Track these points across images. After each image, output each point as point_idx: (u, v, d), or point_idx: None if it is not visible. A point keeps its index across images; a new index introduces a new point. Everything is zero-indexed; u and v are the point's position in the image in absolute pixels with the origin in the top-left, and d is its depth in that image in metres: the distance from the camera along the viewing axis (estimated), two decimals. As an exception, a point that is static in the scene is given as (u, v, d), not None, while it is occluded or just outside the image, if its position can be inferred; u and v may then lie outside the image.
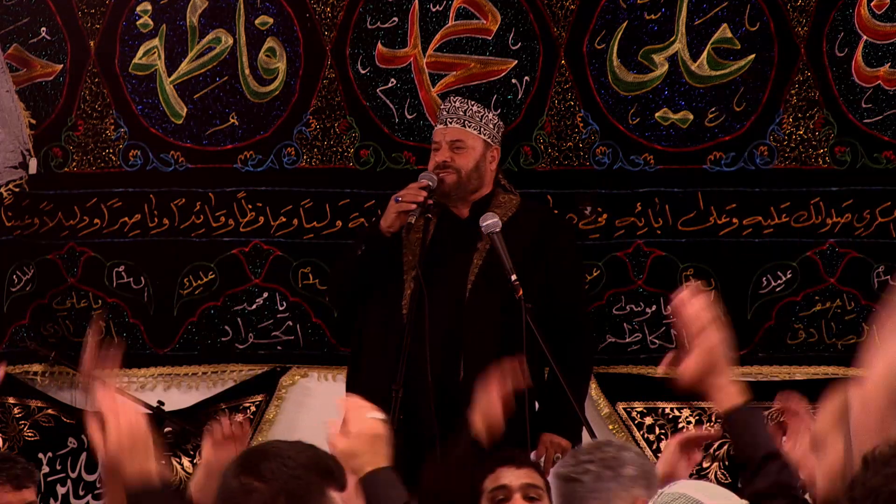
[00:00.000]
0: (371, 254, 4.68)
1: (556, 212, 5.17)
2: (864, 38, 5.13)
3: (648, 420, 5.16)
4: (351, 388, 4.79)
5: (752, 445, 2.83)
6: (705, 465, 5.12)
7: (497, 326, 4.57)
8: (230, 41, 5.25)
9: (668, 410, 5.17)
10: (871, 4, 5.12)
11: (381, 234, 4.66)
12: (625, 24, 5.17)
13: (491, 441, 3.70)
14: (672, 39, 5.16)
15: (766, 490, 2.81)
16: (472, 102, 4.82)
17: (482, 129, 4.76)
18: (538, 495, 3.86)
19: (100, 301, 5.27)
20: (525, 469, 3.87)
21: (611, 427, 5.15)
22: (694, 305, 2.75)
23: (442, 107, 4.83)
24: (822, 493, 2.73)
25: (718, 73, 5.17)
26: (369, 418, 2.85)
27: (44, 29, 5.29)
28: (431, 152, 4.79)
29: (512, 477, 3.84)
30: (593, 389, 5.16)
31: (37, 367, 5.28)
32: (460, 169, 4.71)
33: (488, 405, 3.70)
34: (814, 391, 5.19)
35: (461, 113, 4.77)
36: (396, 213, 4.60)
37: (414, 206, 4.58)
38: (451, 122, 4.76)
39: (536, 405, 4.72)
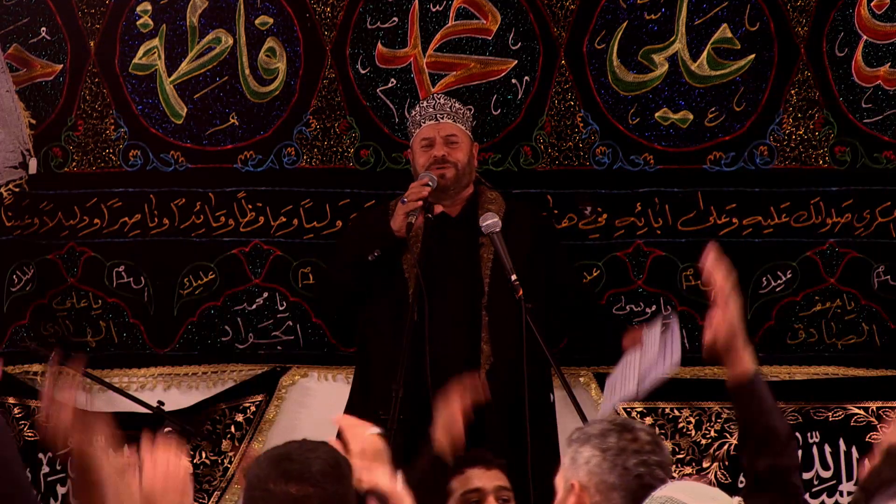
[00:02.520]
0: (383, 259, 4.67)
1: (555, 212, 5.17)
2: (864, 38, 5.13)
3: (648, 420, 5.16)
4: (360, 388, 4.78)
5: (758, 415, 2.86)
6: (705, 464, 5.12)
7: (515, 324, 4.58)
8: (230, 41, 5.25)
9: (668, 410, 5.17)
10: (871, 4, 5.12)
11: (393, 237, 4.64)
12: (625, 24, 5.17)
13: (454, 455, 3.69)
14: (672, 39, 5.16)
15: (763, 472, 2.82)
16: (453, 99, 4.86)
17: (466, 125, 4.81)
18: (508, 497, 3.87)
19: (100, 301, 5.27)
20: (495, 470, 3.87)
21: (611, 427, 5.14)
22: (720, 272, 2.91)
23: (426, 104, 4.84)
24: None
25: (718, 73, 5.17)
26: (369, 436, 2.86)
27: (44, 29, 5.29)
28: (419, 150, 4.79)
29: (485, 479, 3.84)
30: (593, 389, 5.16)
31: (37, 367, 5.28)
32: (457, 163, 4.74)
33: (450, 420, 3.70)
34: (814, 391, 5.24)
35: (448, 109, 4.81)
36: (405, 215, 4.60)
37: (420, 203, 4.59)
38: (442, 118, 4.78)
39: (552, 397, 4.73)
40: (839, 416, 5.12)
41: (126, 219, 5.28)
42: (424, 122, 4.80)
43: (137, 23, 5.27)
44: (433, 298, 4.53)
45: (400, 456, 4.25)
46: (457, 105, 4.85)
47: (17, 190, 5.27)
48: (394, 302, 4.67)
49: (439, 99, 4.86)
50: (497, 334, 4.63)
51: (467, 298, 4.65)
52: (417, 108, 4.87)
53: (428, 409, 4.49)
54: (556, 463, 4.68)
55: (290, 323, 5.24)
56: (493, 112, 5.18)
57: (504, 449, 4.56)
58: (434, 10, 5.20)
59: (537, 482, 4.44)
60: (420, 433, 4.49)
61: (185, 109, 5.26)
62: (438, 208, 4.75)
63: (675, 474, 4.49)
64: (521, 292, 4.34)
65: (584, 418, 4.31)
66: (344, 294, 4.84)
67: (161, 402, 5.03)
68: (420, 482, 3.60)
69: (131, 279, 5.28)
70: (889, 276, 5.15)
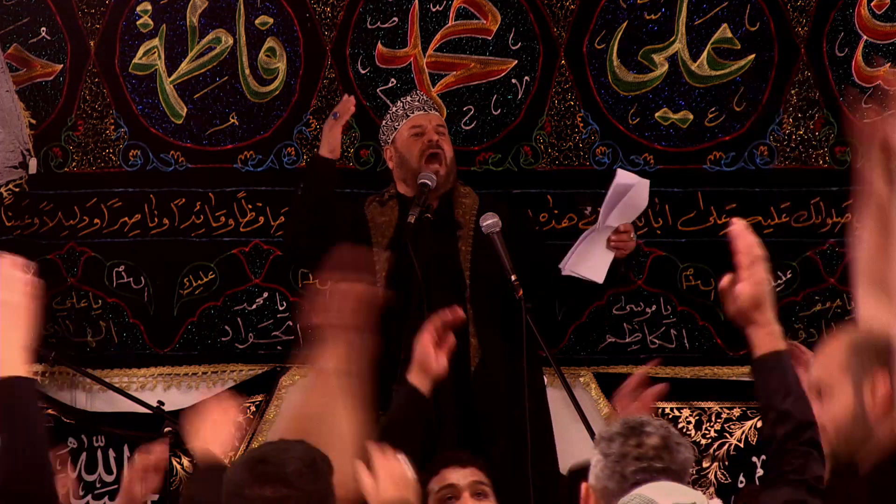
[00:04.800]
0: (314, 183, 4.77)
1: (555, 212, 5.18)
2: (864, 38, 5.13)
3: (648, 420, 5.15)
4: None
5: (777, 391, 2.79)
6: (705, 464, 5.12)
7: (499, 307, 4.59)
8: (230, 41, 5.25)
9: (668, 410, 5.16)
10: (871, 4, 5.12)
11: (324, 160, 4.76)
12: (625, 24, 5.17)
13: (433, 385, 3.62)
14: (672, 39, 5.16)
15: (783, 436, 2.76)
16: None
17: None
18: (485, 492, 3.90)
19: (100, 301, 5.27)
20: (470, 468, 3.90)
21: (611, 427, 5.14)
22: (747, 238, 2.83)
23: (410, 99, 4.85)
24: (831, 441, 2.79)
25: (718, 73, 5.17)
26: (402, 470, 2.80)
27: (44, 29, 5.29)
28: (408, 139, 4.77)
29: (458, 476, 3.87)
30: (593, 390, 5.16)
31: (37, 367, 5.28)
32: (447, 156, 4.74)
33: (423, 354, 3.60)
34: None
35: (433, 105, 4.87)
36: (330, 131, 4.75)
37: (349, 113, 4.77)
38: (430, 110, 4.82)
39: (543, 380, 4.74)
40: (839, 416, 5.12)
41: (126, 219, 5.28)
42: (413, 113, 4.80)
43: (137, 23, 5.27)
44: (417, 295, 4.51)
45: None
46: (434, 103, 4.92)
47: (17, 190, 5.27)
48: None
49: (422, 95, 4.90)
50: (483, 327, 4.63)
51: (450, 293, 4.63)
52: (399, 104, 4.86)
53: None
54: (552, 446, 4.71)
55: (290, 323, 5.23)
56: (493, 112, 5.18)
57: (499, 439, 4.56)
58: (434, 10, 5.20)
59: (536, 468, 4.44)
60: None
61: (185, 109, 5.26)
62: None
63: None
64: (521, 292, 4.34)
65: (584, 418, 4.31)
66: (295, 230, 4.88)
67: (161, 402, 5.02)
68: (400, 419, 3.56)
69: (131, 279, 5.28)
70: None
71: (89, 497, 5.25)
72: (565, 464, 4.91)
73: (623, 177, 4.50)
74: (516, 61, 5.20)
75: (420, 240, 4.60)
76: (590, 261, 4.60)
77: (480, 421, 4.58)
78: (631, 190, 4.49)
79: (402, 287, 4.56)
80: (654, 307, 5.18)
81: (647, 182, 4.54)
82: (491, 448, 4.57)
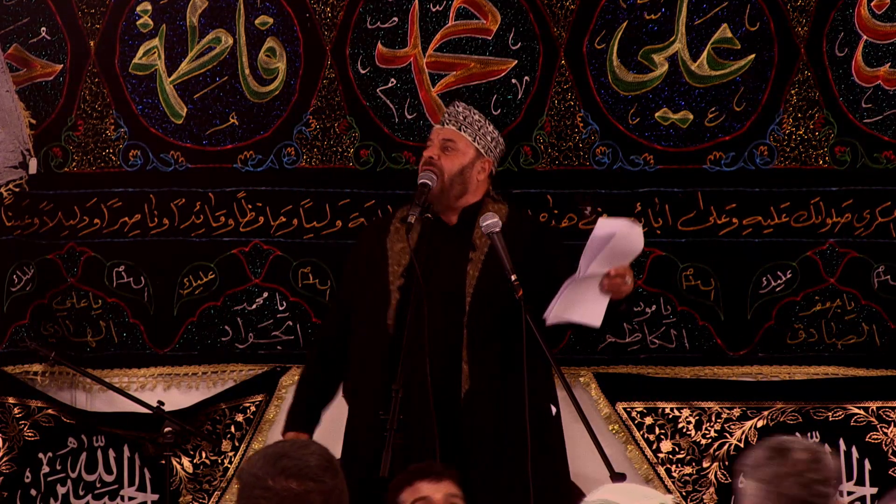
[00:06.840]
0: None
1: (555, 212, 5.17)
2: (864, 38, 5.13)
3: (648, 420, 5.16)
4: (349, 392, 4.78)
5: None
6: (705, 464, 5.12)
7: (498, 336, 4.55)
8: (230, 41, 5.25)
9: (668, 410, 5.16)
10: (871, 4, 5.12)
11: None
12: (625, 24, 5.17)
13: None
14: (672, 39, 5.16)
15: None
16: (477, 112, 4.83)
17: (477, 138, 4.76)
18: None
19: (100, 301, 5.27)
20: (445, 482, 3.89)
21: (611, 427, 5.15)
22: None
23: (447, 109, 4.87)
24: None
25: (718, 73, 5.17)
26: None
27: (44, 29, 5.29)
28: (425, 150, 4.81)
29: (433, 489, 3.87)
30: (593, 390, 5.16)
31: (37, 367, 5.28)
32: (444, 171, 4.69)
33: None
34: (814, 391, 5.24)
35: (460, 118, 4.79)
36: None
37: None
38: (447, 124, 4.79)
39: (554, 410, 4.69)
40: (839, 416, 5.12)
41: (126, 219, 5.28)
42: (435, 126, 4.83)
43: (137, 23, 5.27)
44: (419, 308, 4.49)
45: (400, 456, 4.27)
46: (475, 116, 4.79)
47: (17, 190, 5.27)
48: (373, 317, 4.63)
49: (458, 107, 4.83)
50: (476, 353, 4.57)
51: (448, 314, 4.59)
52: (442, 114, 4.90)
53: (428, 413, 4.48)
54: (563, 477, 4.69)
55: (290, 323, 5.23)
56: (493, 112, 5.18)
57: (490, 470, 4.52)
58: (434, 10, 5.20)
59: (538, 498, 4.39)
60: (420, 435, 4.50)
61: (185, 109, 5.26)
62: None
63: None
64: (521, 292, 4.32)
65: (584, 418, 4.30)
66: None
67: (161, 402, 5.03)
68: None
69: (131, 279, 5.28)
70: (889, 276, 5.15)
71: (89, 497, 5.25)
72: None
73: (602, 227, 4.30)
74: (516, 61, 5.20)
75: (421, 245, 4.59)
76: (580, 306, 4.41)
77: (466, 446, 4.53)
78: (613, 238, 4.26)
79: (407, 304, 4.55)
80: (654, 307, 5.18)
81: (637, 228, 4.36)
82: (473, 473, 4.51)
